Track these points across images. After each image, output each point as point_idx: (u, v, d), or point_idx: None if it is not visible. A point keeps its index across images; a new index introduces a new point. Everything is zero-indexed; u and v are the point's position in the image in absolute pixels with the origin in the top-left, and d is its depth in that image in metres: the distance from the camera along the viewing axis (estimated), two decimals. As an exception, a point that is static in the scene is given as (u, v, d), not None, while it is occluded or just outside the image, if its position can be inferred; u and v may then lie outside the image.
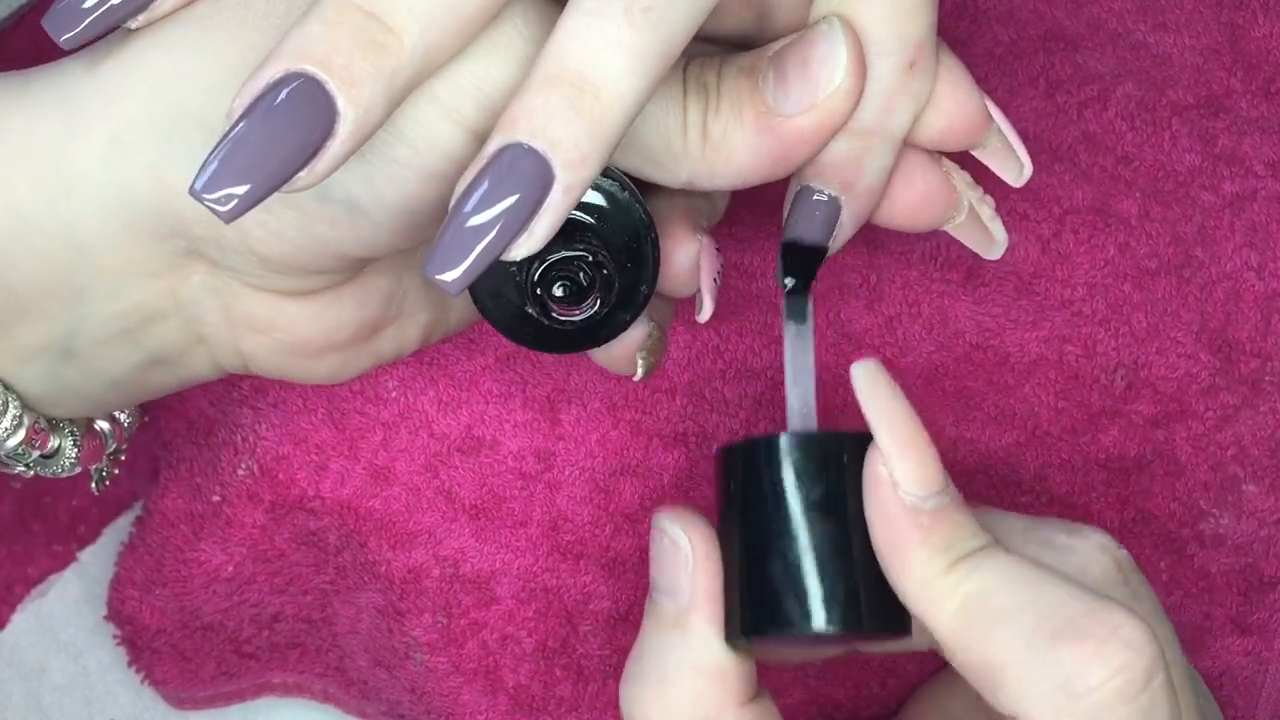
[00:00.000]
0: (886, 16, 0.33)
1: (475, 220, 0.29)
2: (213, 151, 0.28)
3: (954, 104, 0.35)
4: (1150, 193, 0.44)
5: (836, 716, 0.43)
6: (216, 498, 0.43)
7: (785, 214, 0.36)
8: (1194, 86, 0.45)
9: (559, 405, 0.43)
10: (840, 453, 0.33)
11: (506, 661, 0.43)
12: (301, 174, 0.29)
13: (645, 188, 0.36)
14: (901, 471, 0.32)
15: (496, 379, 0.43)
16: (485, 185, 0.29)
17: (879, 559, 0.32)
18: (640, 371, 0.38)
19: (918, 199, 0.36)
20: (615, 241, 0.34)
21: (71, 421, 0.37)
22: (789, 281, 0.35)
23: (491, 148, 0.29)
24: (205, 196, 0.28)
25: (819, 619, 0.32)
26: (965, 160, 0.37)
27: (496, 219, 0.29)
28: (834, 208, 0.35)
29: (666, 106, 0.33)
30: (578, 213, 0.34)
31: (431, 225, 0.33)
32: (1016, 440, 0.43)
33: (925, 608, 0.31)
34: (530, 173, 0.29)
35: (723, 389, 0.43)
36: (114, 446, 0.39)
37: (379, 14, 0.29)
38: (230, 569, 0.44)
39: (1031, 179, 0.36)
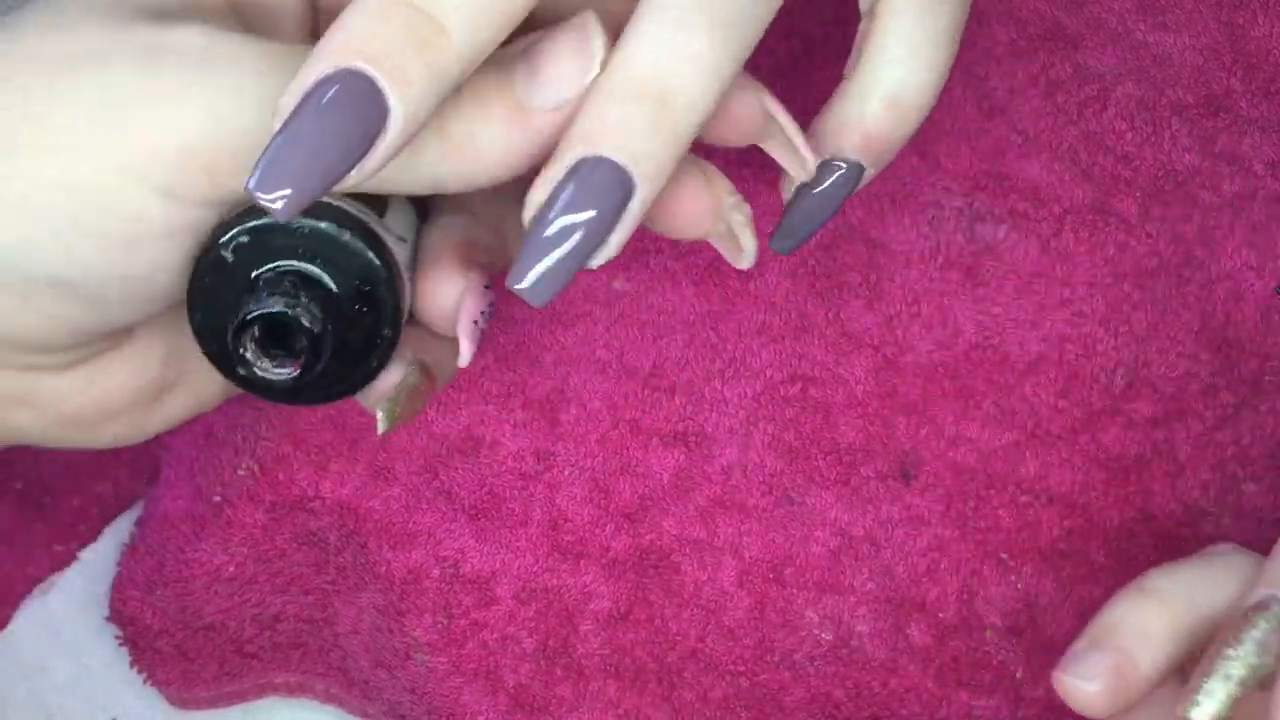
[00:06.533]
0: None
1: (556, 231, 0.29)
2: (265, 150, 0.28)
3: (735, 100, 0.33)
4: (1150, 192, 0.44)
5: (836, 716, 0.43)
6: (217, 498, 0.43)
7: (791, 182, 0.35)
8: (1194, 86, 0.45)
9: (558, 405, 0.43)
10: None
11: (507, 661, 0.43)
12: (351, 173, 0.28)
13: (422, 210, 0.35)
14: None
15: (496, 379, 0.43)
16: (566, 196, 0.29)
17: None
18: (381, 422, 0.34)
19: (688, 207, 0.33)
20: (344, 287, 0.32)
21: None
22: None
23: (571, 158, 0.29)
24: (260, 196, 0.27)
25: None
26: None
27: (577, 230, 0.29)
28: (858, 177, 0.34)
29: None
30: (289, 261, 0.32)
31: (164, 292, 0.31)
32: (1016, 440, 0.43)
33: None
34: (612, 185, 0.28)
35: (722, 389, 0.43)
36: None
37: (429, 11, 0.28)
38: (231, 569, 0.44)
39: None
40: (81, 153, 0.29)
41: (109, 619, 0.46)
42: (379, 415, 0.34)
